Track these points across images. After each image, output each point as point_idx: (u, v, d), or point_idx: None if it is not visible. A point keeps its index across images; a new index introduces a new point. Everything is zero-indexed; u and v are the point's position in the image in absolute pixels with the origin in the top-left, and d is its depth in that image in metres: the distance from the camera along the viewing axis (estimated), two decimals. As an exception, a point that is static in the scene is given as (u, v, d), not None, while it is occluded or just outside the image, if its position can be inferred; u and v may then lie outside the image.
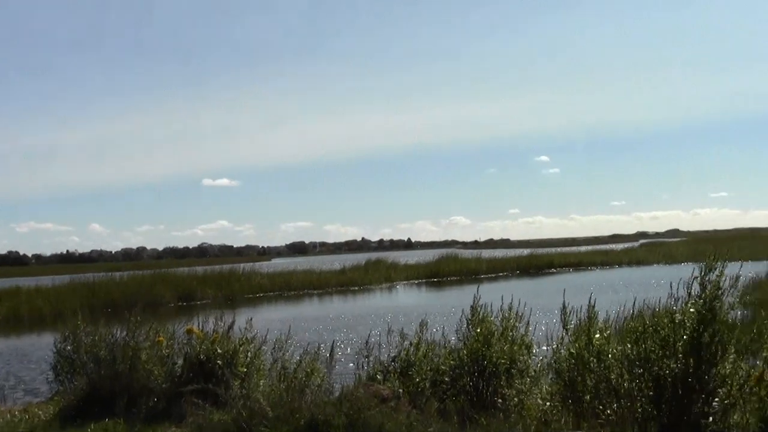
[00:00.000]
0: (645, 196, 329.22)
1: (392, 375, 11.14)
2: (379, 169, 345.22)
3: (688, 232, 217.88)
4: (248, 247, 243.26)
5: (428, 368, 11.08)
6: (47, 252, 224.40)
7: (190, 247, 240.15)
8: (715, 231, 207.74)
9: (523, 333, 11.16)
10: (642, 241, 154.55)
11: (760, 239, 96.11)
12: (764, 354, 8.59)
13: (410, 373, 11.03)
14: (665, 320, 8.61)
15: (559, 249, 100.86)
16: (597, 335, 9.52)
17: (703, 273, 8.54)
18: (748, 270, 11.49)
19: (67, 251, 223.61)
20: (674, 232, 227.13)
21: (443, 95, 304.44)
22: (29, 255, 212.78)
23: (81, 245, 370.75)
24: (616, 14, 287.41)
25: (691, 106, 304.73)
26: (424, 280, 59.84)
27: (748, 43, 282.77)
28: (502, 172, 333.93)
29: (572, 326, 10.06)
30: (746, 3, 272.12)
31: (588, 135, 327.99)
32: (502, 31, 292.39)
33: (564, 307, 10.01)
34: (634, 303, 11.94)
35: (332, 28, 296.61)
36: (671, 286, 8.97)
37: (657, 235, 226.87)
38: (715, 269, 8.50)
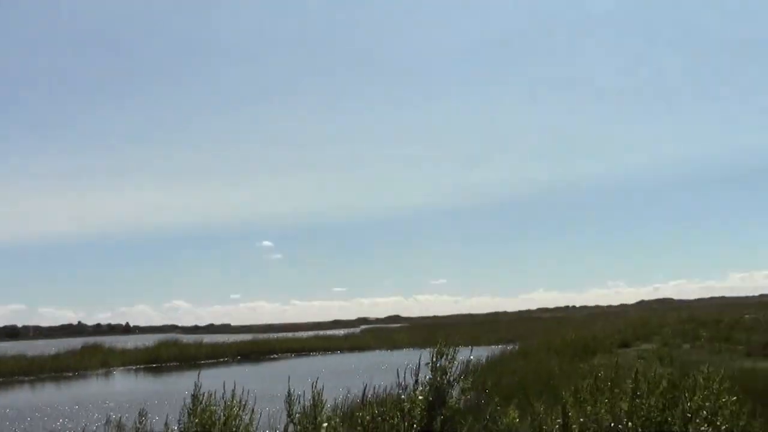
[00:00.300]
0: (366, 282, 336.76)
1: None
2: (95, 250, 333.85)
3: (408, 318, 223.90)
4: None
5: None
6: None
7: None
8: (435, 317, 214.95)
9: (248, 422, 10.67)
10: (363, 326, 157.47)
11: (478, 324, 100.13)
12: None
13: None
14: (395, 409, 8.36)
15: (280, 334, 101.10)
16: (325, 424, 9.16)
17: (434, 358, 8.39)
18: (470, 355, 11.69)
19: None
20: (395, 318, 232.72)
21: (164, 175, 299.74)
22: None
23: None
24: (343, 102, 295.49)
25: (409, 194, 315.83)
26: (143, 366, 58.03)
27: (474, 135, 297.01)
28: (224, 256, 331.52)
29: (297, 414, 9.66)
30: (468, 95, 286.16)
31: (312, 221, 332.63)
32: (229, 112, 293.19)
33: (289, 394, 9.59)
34: (364, 390, 11.70)
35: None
36: (397, 374, 8.76)
37: (378, 320, 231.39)
38: (446, 354, 8.38)
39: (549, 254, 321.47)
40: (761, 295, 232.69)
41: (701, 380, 11.03)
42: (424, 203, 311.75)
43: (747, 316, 72.83)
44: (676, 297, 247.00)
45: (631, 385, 9.65)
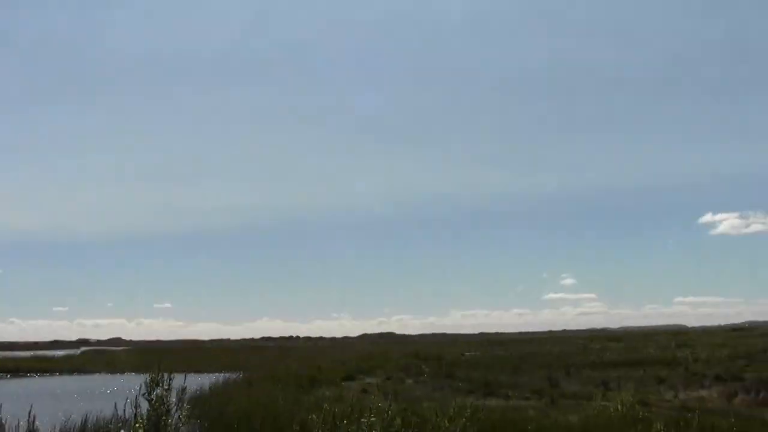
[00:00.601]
0: (89, 303, 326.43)
1: None
2: None
3: (131, 341, 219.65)
4: None
5: None
6: None
7: None
8: (159, 341, 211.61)
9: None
10: (84, 348, 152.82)
11: (202, 351, 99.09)
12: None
13: None
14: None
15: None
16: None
17: (149, 388, 8.30)
18: (185, 382, 11.54)
19: None
20: (117, 341, 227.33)
21: None
22: None
23: None
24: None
25: (131, 215, 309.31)
26: None
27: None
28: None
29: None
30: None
31: (31, 236, 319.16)
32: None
33: (0, 424, 9.26)
34: (84, 419, 11.42)
35: None
36: (116, 406, 8.62)
37: (99, 342, 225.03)
38: (161, 383, 8.30)
39: (274, 283, 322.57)
40: (481, 333, 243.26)
41: (446, 422, 11.26)
42: (145, 224, 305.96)
43: (467, 353, 75.84)
44: (398, 332, 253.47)
45: (366, 425, 9.77)
